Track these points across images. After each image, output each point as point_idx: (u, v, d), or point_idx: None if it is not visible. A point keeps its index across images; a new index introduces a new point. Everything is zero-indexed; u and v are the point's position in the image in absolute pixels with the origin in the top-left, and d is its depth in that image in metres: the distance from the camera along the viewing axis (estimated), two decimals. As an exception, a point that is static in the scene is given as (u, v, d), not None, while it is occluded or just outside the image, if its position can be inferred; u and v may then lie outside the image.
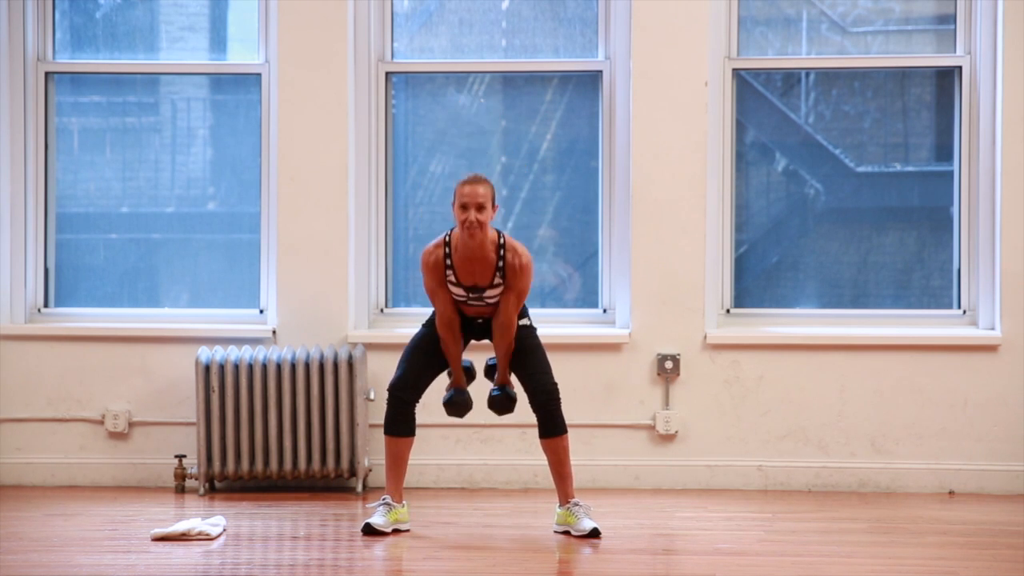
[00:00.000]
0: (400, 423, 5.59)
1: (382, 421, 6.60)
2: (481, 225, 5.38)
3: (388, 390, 5.59)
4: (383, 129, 6.87)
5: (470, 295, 5.50)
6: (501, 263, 5.47)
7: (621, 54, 6.73)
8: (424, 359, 5.58)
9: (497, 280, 5.47)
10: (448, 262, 5.48)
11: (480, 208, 5.37)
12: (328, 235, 6.72)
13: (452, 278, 5.49)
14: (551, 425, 5.53)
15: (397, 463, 5.62)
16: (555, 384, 5.54)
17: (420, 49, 6.96)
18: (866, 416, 6.64)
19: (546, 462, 5.61)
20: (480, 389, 5.77)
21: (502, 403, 5.61)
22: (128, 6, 7.05)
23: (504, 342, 5.52)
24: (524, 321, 5.57)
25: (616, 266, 6.77)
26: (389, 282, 6.90)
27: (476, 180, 5.40)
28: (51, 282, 6.96)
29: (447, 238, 5.51)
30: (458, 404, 5.63)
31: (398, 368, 5.59)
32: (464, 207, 5.38)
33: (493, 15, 6.96)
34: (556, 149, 6.94)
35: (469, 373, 5.70)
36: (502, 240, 5.48)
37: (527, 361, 5.54)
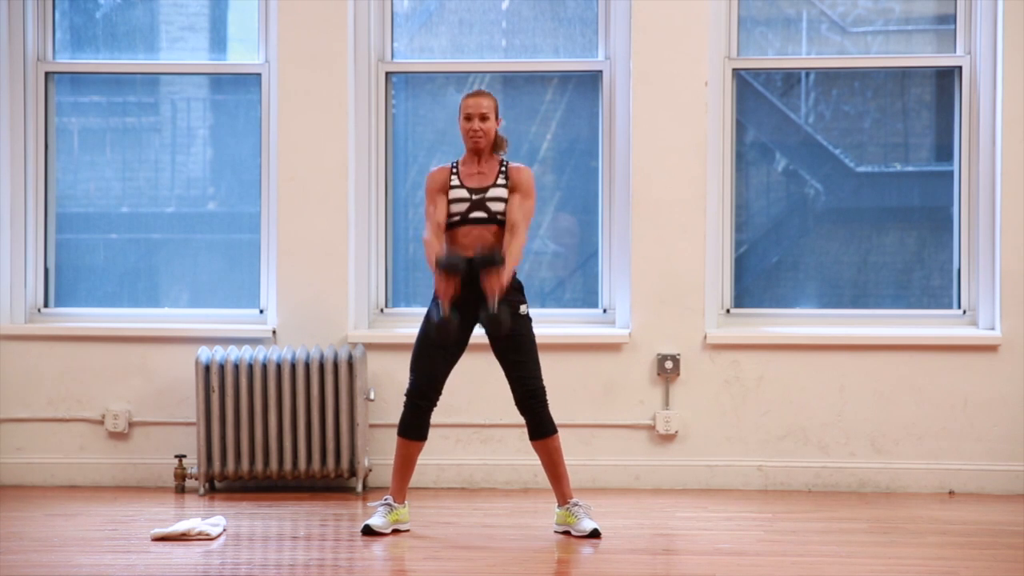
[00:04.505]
0: (415, 427, 5.58)
1: (382, 421, 6.63)
2: (485, 133, 5.52)
3: (405, 395, 5.56)
4: (383, 129, 6.87)
5: (473, 197, 5.51)
6: (504, 168, 5.58)
7: (621, 54, 6.73)
8: (432, 360, 5.54)
9: (500, 181, 5.52)
10: (454, 170, 5.58)
11: (483, 118, 5.53)
12: (328, 235, 6.72)
13: (456, 182, 5.54)
14: (540, 427, 5.53)
15: (406, 465, 5.61)
16: (543, 387, 5.53)
17: (420, 49, 6.96)
18: (866, 416, 6.65)
19: (545, 463, 5.61)
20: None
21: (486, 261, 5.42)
22: (128, 6, 7.05)
23: (512, 239, 5.48)
24: (523, 309, 5.54)
25: (616, 266, 6.77)
26: (389, 282, 6.91)
27: (479, 93, 5.59)
28: (51, 282, 6.97)
29: (454, 160, 5.65)
30: (449, 263, 5.42)
31: (411, 373, 5.56)
32: (468, 117, 5.54)
33: (493, 15, 6.97)
34: (556, 149, 6.94)
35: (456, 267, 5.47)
36: (506, 160, 5.62)
37: (518, 361, 5.50)
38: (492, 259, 5.39)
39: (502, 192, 5.52)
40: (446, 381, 5.57)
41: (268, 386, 6.53)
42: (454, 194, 5.54)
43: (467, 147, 5.58)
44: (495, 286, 5.38)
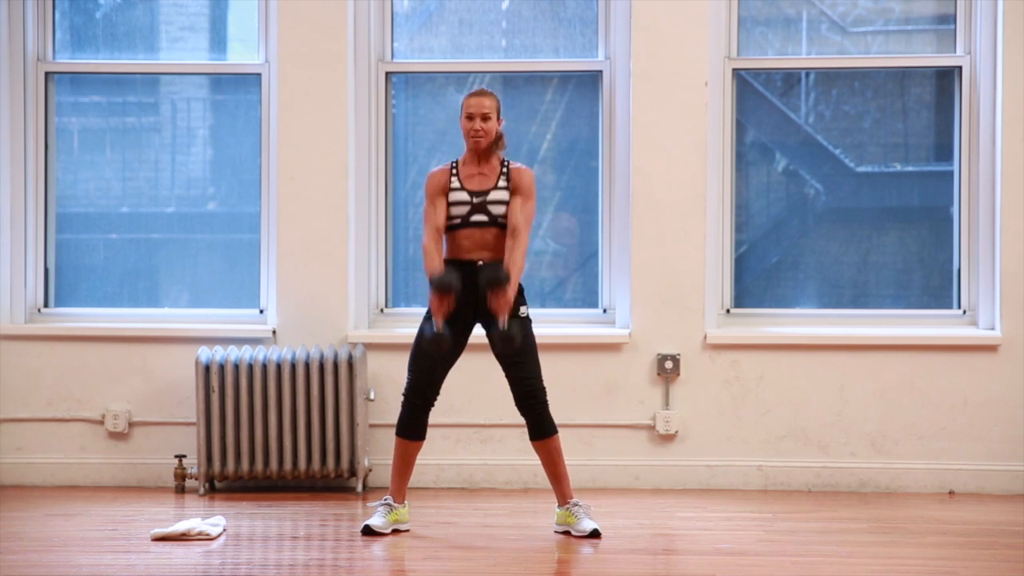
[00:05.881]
0: (413, 426, 5.58)
1: (382, 421, 6.63)
2: (486, 133, 5.51)
3: (403, 395, 5.57)
4: (383, 129, 6.87)
5: (474, 200, 5.51)
6: (505, 170, 5.57)
7: (621, 54, 6.73)
8: (431, 360, 5.53)
9: (501, 183, 5.52)
10: (454, 171, 5.57)
11: (485, 118, 5.51)
12: (328, 235, 6.72)
13: (456, 184, 5.53)
14: (540, 427, 5.53)
15: (405, 464, 5.61)
16: (543, 388, 5.52)
17: (420, 49, 6.96)
18: (866, 416, 6.65)
19: (544, 463, 5.61)
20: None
21: (492, 273, 5.38)
22: (128, 6, 7.05)
23: (514, 245, 5.45)
24: (523, 311, 5.53)
25: (616, 266, 6.77)
26: (389, 282, 6.91)
27: (481, 92, 5.57)
28: (51, 282, 6.97)
29: (454, 160, 5.64)
30: (443, 282, 5.37)
31: (409, 373, 5.56)
32: (470, 117, 5.52)
33: (493, 15, 6.97)
34: (556, 149, 6.94)
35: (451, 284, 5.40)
36: (507, 159, 5.61)
37: (518, 361, 5.48)
38: (498, 278, 5.36)
39: (503, 195, 5.52)
40: (444, 381, 5.58)
41: (268, 386, 6.53)
42: (454, 196, 5.53)
43: (468, 146, 5.57)
44: (504, 305, 5.37)
